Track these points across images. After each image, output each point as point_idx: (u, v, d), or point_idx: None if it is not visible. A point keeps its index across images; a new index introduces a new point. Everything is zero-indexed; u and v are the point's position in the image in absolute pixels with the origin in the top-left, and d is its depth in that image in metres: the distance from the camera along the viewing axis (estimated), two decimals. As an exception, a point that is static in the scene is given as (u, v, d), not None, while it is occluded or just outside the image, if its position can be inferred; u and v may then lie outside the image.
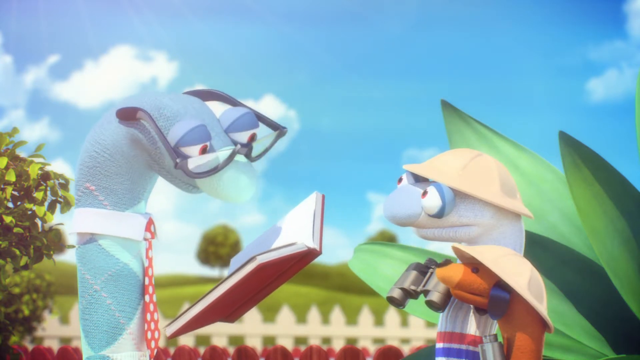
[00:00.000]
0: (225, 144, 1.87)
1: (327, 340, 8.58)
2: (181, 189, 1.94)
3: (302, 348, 5.90)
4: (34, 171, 2.37)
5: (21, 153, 2.45)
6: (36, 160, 2.42)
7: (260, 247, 1.98)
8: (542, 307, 1.77)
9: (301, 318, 8.67)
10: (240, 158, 1.89)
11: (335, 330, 8.48)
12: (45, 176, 2.39)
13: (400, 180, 1.93)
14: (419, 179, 1.90)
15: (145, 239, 1.93)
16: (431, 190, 1.84)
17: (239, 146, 1.87)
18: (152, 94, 1.90)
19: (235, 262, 2.08)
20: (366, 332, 8.50)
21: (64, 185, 2.41)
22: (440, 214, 1.84)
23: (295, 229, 1.95)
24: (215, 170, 1.85)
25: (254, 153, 1.91)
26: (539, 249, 2.52)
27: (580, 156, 2.35)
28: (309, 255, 1.91)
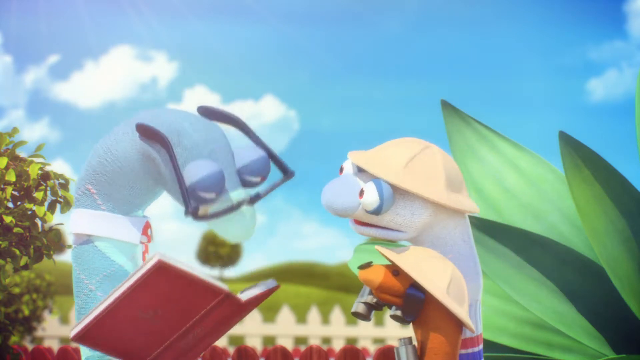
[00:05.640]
0: (235, 186, 1.86)
1: (327, 340, 8.57)
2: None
3: (302, 348, 5.90)
4: (34, 171, 2.37)
5: (21, 153, 2.45)
6: (36, 160, 2.41)
7: None
8: (461, 309, 1.74)
9: (301, 318, 8.66)
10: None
11: (335, 330, 8.47)
12: (45, 176, 2.39)
13: (341, 169, 1.90)
14: (362, 169, 1.88)
15: (141, 242, 1.93)
16: (370, 187, 1.81)
17: (248, 198, 1.86)
18: (174, 114, 1.87)
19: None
20: (366, 332, 8.50)
21: (64, 185, 2.41)
22: (377, 212, 1.82)
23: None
24: (219, 214, 1.83)
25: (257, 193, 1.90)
26: (539, 249, 2.52)
27: (580, 156, 2.35)
28: (226, 301, 1.79)
